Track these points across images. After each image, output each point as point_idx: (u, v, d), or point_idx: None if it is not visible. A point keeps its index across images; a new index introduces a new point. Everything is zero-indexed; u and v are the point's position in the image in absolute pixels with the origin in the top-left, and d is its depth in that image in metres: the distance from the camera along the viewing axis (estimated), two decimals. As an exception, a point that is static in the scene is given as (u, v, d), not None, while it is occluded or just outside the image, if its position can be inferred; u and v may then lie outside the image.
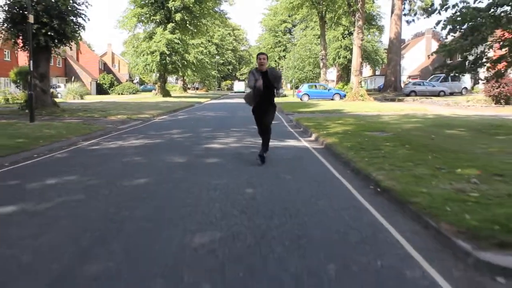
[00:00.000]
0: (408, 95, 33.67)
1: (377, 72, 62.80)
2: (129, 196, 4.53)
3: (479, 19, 8.31)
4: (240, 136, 9.78)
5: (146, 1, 37.13)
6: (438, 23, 10.06)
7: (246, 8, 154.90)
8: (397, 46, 37.74)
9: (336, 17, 37.65)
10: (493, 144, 7.65)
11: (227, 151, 7.84)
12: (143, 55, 37.01)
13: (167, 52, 35.93)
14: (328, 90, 34.20)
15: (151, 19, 37.17)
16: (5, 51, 40.82)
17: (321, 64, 40.94)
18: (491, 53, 9.33)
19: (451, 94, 33.97)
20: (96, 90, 57.01)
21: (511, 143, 7.78)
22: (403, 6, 38.18)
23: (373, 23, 50.67)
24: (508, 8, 8.23)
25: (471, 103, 21.92)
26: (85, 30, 17.81)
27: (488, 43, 9.03)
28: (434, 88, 34.33)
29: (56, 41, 16.59)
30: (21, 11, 16.10)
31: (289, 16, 56.50)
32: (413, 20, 47.24)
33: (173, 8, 36.45)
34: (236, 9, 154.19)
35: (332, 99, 31.88)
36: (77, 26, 17.06)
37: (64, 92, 37.95)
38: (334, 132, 9.91)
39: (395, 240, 3.28)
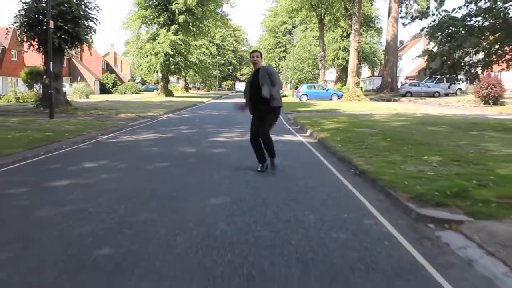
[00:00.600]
0: (404, 95, 34.77)
1: (376, 73, 63.84)
2: (155, 175, 5.62)
3: (454, 28, 9.41)
4: (242, 132, 10.85)
5: (150, 3, 38.25)
6: (422, 29, 11.15)
7: (246, 9, 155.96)
8: (393, 48, 38.81)
9: (334, 20, 38.71)
10: (464, 138, 8.73)
11: (231, 143, 8.93)
12: (147, 56, 38.10)
13: (171, 53, 37.03)
14: (326, 90, 35.27)
15: (154, 21, 38.23)
16: (12, 52, 41.90)
17: (320, 65, 42.02)
18: (467, 58, 10.40)
19: (446, 95, 35.00)
20: (99, 90, 58.10)
21: (480, 137, 8.85)
22: (399, 9, 39.25)
23: (371, 25, 51.78)
24: (480, 18, 9.30)
25: (461, 103, 22.99)
26: (96, 33, 18.90)
27: (465, 49, 10.13)
28: (429, 89, 35.43)
29: (69, 43, 17.68)
30: (37, 16, 17.22)
31: (289, 18, 57.47)
32: (409, 23, 48.24)
33: (176, 10, 37.52)
34: (237, 10, 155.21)
35: (330, 99, 32.94)
36: (88, 29, 18.17)
37: (70, 92, 39.08)
38: (327, 128, 10.99)
39: (363, 204, 4.35)
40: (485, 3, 9.13)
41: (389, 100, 30.91)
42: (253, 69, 5.84)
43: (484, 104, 21.93)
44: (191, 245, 3.06)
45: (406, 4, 42.01)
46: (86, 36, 18.04)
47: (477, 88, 21.88)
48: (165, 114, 18.31)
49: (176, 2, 37.07)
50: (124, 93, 56.70)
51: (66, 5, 16.97)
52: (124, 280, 2.53)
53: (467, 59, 10.43)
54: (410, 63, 59.39)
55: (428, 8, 37.92)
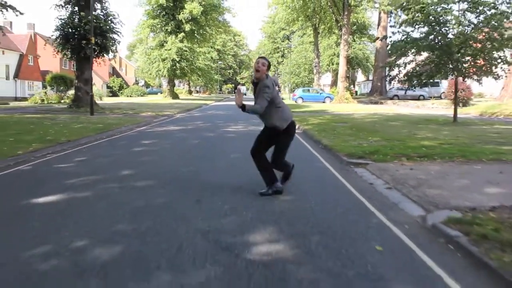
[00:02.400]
0: (391, 98, 37.99)
1: (370, 77, 67.13)
2: (191, 147, 8.79)
3: (404, 48, 12.62)
4: (246, 125, 13.98)
5: (158, 13, 41.48)
6: (387, 46, 14.34)
7: (246, 13, 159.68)
8: (383, 54, 41.95)
9: (328, 28, 41.98)
10: (408, 128, 11.91)
11: (238, 131, 12.09)
12: (155, 61, 41.31)
13: (177, 59, 40.25)
14: (320, 94, 38.49)
15: (162, 29, 41.43)
16: (29, 57, 45.08)
17: (315, 71, 45.24)
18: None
19: (430, 98, 38.22)
20: (107, 92, 61.25)
21: (420, 128, 12.03)
22: (388, 19, 42.53)
23: (364, 32, 55.18)
24: (423, 40, 12.49)
25: (435, 105, 26.21)
26: (119, 44, 22.11)
27: (415, 62, 13.32)
28: (415, 92, 38.21)
29: (98, 53, 20.86)
30: (71, 30, 20.40)
31: (287, 26, 60.80)
32: (398, 32, 51.30)
33: (183, 19, 40.73)
34: (237, 14, 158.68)
35: (324, 102, 36.13)
36: (113, 41, 21.36)
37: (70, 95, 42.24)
38: (312, 123, 14.16)
39: (319, 159, 7.49)
40: (426, 29, 12.36)
41: (376, 103, 34.12)
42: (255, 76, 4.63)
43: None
44: (225, 166, 6.23)
45: (395, 15, 45.25)
46: (112, 47, 21.23)
47: (449, 92, 25.07)
48: (179, 113, 21.46)
49: (182, 12, 40.32)
50: (130, 96, 59.85)
51: (95, 21, 20.15)
52: (202, 162, 5.69)
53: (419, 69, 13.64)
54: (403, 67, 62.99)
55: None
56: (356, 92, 66.59)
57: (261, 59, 4.68)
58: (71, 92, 35.89)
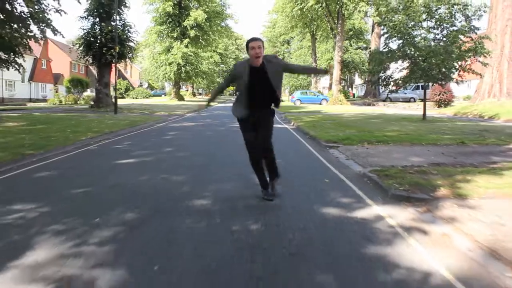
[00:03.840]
0: (384, 100, 40.53)
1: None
2: (208, 137, 11.34)
3: (381, 58, 15.20)
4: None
5: (165, 20, 44.16)
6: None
7: (247, 17, 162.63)
8: (376, 59, 44.70)
9: (325, 35, 44.64)
10: (382, 124, 14.45)
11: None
12: (162, 65, 43.98)
13: (182, 63, 42.90)
14: (317, 96, 41.05)
15: (169, 35, 44.11)
16: (42, 60, 47.76)
17: (312, 75, 47.80)
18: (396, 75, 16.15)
19: (422, 100, 40.78)
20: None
21: (393, 124, 14.56)
22: (380, 26, 45.21)
23: (361, 37, 57.83)
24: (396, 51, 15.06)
25: (420, 107, 28.73)
26: (135, 51, 24.70)
27: (391, 69, 15.89)
28: (406, 95, 41.13)
29: (116, 59, 23.44)
30: (93, 39, 23.00)
31: (286, 32, 63.49)
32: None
33: (188, 26, 43.41)
34: (239, 20, 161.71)
35: (320, 104, 38.69)
36: (130, 49, 23.96)
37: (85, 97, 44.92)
38: (305, 121, 16.69)
39: (304, 144, 10.04)
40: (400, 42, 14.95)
41: (369, 104, 36.65)
42: (252, 64, 4.30)
43: (438, 107, 27.70)
44: (236, 149, 8.78)
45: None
46: (128, 54, 23.83)
47: (432, 95, 27.67)
48: (188, 113, 24.03)
49: (188, 19, 42.99)
50: (136, 98, 62.48)
51: (115, 31, 22.76)
52: (220, 141, 8.25)
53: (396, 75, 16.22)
54: (395, 73, 65.69)
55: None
56: (353, 94, 69.31)
57: (256, 41, 4.19)
58: (86, 94, 38.66)
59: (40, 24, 14.55)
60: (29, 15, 14.15)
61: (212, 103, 4.58)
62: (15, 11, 14.47)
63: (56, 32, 15.70)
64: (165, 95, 74.20)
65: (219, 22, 48.35)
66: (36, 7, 14.31)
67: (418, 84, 23.61)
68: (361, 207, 4.38)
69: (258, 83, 4.34)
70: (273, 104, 4.67)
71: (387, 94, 41.92)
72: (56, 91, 40.69)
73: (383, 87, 17.79)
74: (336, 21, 33.94)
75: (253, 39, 4.27)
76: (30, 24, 14.47)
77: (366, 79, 45.42)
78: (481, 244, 3.28)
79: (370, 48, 16.57)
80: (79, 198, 4.62)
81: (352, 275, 2.75)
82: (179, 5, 43.88)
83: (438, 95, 27.35)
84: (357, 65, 58.35)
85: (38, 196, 4.59)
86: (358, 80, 77.96)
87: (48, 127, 12.26)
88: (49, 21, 14.88)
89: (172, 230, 3.54)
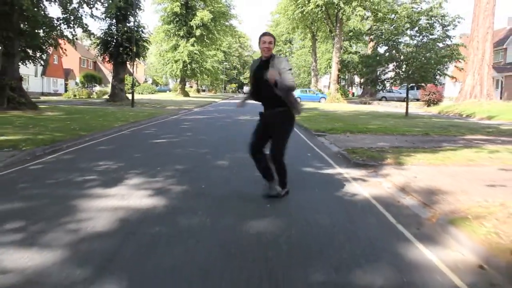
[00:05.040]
0: (380, 99, 42.64)
1: (366, 80, 71.71)
2: (218, 126, 13.46)
3: (369, 61, 17.31)
4: (251, 116, 18.62)
5: (172, 19, 46.22)
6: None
7: (250, 15, 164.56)
8: (374, 60, 46.76)
9: (325, 36, 46.71)
10: (369, 120, 16.55)
11: (246, 120, 16.72)
12: (169, 63, 46.11)
13: (188, 61, 45.01)
14: (316, 94, 43.16)
15: (176, 34, 46.17)
16: (55, 56, 49.87)
17: (312, 74, 49.89)
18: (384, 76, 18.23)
19: (417, 100, 42.84)
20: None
21: (378, 119, 16.65)
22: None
23: (360, 38, 59.78)
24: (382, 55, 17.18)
25: (410, 105, 30.80)
26: (147, 51, 26.82)
27: (379, 71, 18.02)
28: (401, 94, 43.11)
29: (131, 58, 25.58)
30: (109, 39, 25.11)
31: (288, 33, 65.51)
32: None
33: (194, 25, 45.45)
34: (242, 21, 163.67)
35: (319, 101, 40.79)
36: (144, 48, 26.08)
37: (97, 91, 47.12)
38: (301, 116, 18.71)
39: (299, 135, 12.15)
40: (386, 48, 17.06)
41: (365, 103, 38.74)
42: (262, 57, 4.35)
43: (427, 106, 29.79)
44: (242, 136, 10.92)
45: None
46: (143, 53, 25.95)
47: (422, 95, 29.76)
48: (196, 108, 26.16)
49: (194, 18, 45.04)
50: (141, 93, 64.50)
51: (130, 32, 24.90)
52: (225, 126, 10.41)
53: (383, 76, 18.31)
54: (383, 75, 67.88)
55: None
56: (353, 93, 71.37)
57: (268, 36, 4.28)
58: (97, 89, 40.85)
59: (74, 26, 16.60)
60: (64, 21, 16.24)
61: (248, 101, 4.82)
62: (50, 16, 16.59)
63: (91, 34, 17.80)
64: (169, 91, 76.33)
65: (224, 22, 50.40)
66: (72, 14, 16.34)
67: (412, 84, 25.74)
68: (329, 169, 6.53)
69: (263, 76, 4.21)
70: (286, 106, 4.39)
71: (381, 94, 44.04)
72: (76, 85, 42.74)
73: (370, 87, 19.90)
74: (334, 24, 35.99)
75: (265, 34, 4.33)
76: (65, 28, 16.59)
77: (358, 80, 47.44)
78: (396, 185, 5.40)
79: (356, 52, 18.48)
80: (139, 158, 6.80)
81: (315, 192, 4.90)
82: (186, 5, 45.90)
83: (428, 95, 29.43)
84: (356, 65, 60.35)
85: (112, 158, 6.75)
86: (358, 80, 80.00)
87: (82, 116, 14.44)
88: (86, 25, 16.96)
89: (208, 173, 5.73)
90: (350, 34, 57.22)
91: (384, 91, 45.93)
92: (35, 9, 14.82)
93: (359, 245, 3.19)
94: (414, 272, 2.74)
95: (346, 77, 70.94)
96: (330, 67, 57.76)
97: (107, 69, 65.35)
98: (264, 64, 4.34)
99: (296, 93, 43.13)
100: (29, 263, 2.65)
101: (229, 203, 4.36)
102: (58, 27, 16.33)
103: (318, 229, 3.59)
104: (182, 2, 45.32)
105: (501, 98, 32.77)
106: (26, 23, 15.38)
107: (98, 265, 2.65)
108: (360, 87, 39.26)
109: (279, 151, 4.48)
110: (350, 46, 56.95)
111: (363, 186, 5.42)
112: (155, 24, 46.88)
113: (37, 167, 6.09)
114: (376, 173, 6.30)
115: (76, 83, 44.01)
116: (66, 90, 37.39)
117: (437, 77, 16.82)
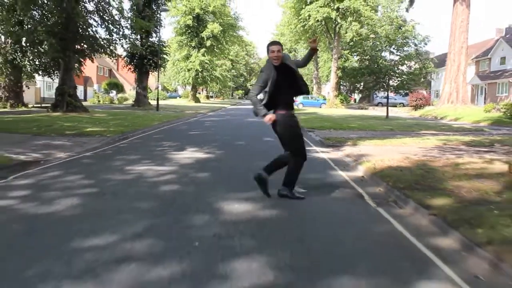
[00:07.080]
0: (376, 105, 46.22)
1: (367, 87, 75.25)
2: (234, 125, 17.16)
3: (354, 72, 20.91)
4: (259, 118, 22.37)
5: (184, 31, 50.23)
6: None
7: (256, 22, 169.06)
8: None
9: (325, 47, 50.42)
10: (355, 121, 20.14)
11: (255, 121, 20.47)
12: (181, 71, 50.11)
13: (200, 70, 48.95)
14: (317, 100, 46.82)
15: (188, 44, 50.16)
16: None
17: (314, 81, 53.59)
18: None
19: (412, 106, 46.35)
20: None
21: (361, 121, 20.25)
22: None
23: (360, 47, 63.45)
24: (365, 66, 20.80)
25: (400, 110, 34.36)
26: (167, 62, 30.66)
27: (363, 80, 21.58)
28: (396, 100, 46.79)
29: (153, 68, 29.43)
30: (135, 52, 28.98)
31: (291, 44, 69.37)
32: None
33: (205, 36, 49.40)
34: (250, 32, 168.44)
35: (320, 107, 44.43)
36: (163, 60, 29.93)
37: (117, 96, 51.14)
38: (301, 118, 22.47)
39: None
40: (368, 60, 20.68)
41: (361, 108, 42.26)
42: (275, 64, 4.44)
43: (415, 110, 33.32)
44: (253, 131, 14.60)
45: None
46: (163, 63, 29.80)
47: (410, 101, 33.33)
48: (209, 112, 29.91)
49: (205, 30, 49.02)
50: (154, 99, 68.47)
51: (152, 46, 28.78)
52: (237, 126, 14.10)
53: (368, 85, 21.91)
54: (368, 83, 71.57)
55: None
56: (355, 99, 74.89)
57: (275, 45, 4.44)
58: (119, 95, 44.84)
59: (115, 44, 20.55)
60: (108, 43, 20.21)
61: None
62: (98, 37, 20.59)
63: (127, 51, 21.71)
64: (179, 97, 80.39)
65: (232, 33, 54.37)
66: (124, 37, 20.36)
67: (407, 91, 29.20)
68: (308, 147, 10.20)
69: (284, 80, 4.41)
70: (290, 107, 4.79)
71: (378, 100, 47.44)
72: (95, 92, 46.72)
73: (357, 93, 23.49)
74: (333, 37, 39.69)
75: (273, 43, 4.47)
76: (109, 46, 20.56)
77: (351, 87, 51.24)
78: (345, 154, 9.03)
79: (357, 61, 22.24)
80: (187, 141, 10.52)
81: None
82: (198, 18, 49.90)
83: (415, 101, 32.99)
84: (352, 74, 64.05)
85: (169, 140, 10.48)
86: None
87: (125, 117, 18.21)
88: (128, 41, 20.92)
89: (235, 148, 9.46)
90: (351, 43, 60.95)
91: (381, 97, 49.94)
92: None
93: (315, 173, 6.85)
94: (333, 178, 6.40)
95: (346, 84, 74.50)
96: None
97: (121, 77, 69.63)
98: (281, 67, 4.45)
99: (299, 99, 46.82)
100: (166, 169, 6.36)
101: (244, 156, 8.05)
102: (108, 47, 20.36)
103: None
104: (194, 15, 49.33)
105: (484, 103, 36.19)
106: (84, 42, 19.35)
107: (197, 168, 6.35)
108: (358, 94, 43.22)
109: (294, 148, 4.89)
110: (351, 54, 60.59)
111: (326, 155, 9.07)
112: (168, 35, 51.00)
113: (125, 145, 9.81)
114: (337, 149, 9.94)
115: (95, 91, 48.02)
116: (85, 96, 41.22)
117: (409, 86, 20.44)
